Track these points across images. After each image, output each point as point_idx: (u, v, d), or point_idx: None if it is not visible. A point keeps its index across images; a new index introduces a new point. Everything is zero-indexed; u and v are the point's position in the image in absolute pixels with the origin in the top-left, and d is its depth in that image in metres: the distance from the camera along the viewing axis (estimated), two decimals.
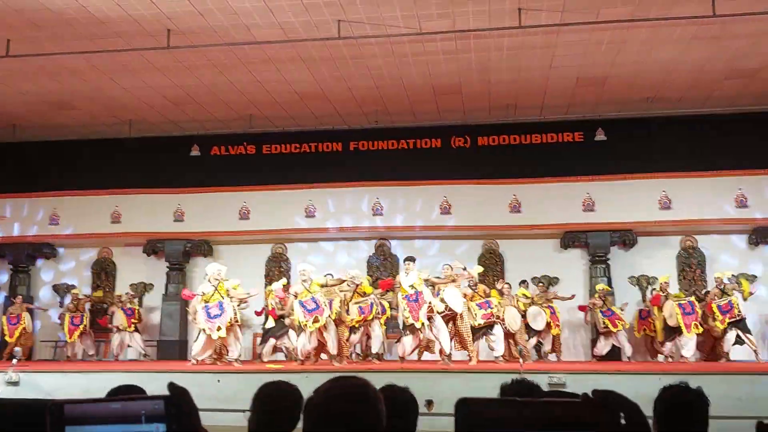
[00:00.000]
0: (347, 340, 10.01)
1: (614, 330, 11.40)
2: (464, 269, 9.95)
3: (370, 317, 10.04)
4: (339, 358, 9.66)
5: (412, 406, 2.52)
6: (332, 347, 9.53)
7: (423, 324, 9.07)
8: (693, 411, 2.24)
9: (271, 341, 10.51)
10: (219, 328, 9.43)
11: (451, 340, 9.47)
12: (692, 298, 10.91)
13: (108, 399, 1.26)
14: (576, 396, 1.85)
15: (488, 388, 7.47)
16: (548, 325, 11.30)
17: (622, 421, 1.19)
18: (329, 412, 1.40)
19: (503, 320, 10.49)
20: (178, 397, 1.25)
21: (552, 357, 11.58)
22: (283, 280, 11.10)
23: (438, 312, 9.22)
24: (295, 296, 9.63)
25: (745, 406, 7.07)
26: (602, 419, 1.12)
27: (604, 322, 11.42)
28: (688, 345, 10.68)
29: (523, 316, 11.06)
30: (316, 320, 9.25)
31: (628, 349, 11.41)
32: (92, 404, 1.25)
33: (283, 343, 10.65)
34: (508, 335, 10.67)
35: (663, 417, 2.23)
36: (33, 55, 10.03)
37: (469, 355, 9.65)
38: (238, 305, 10.34)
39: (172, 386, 1.26)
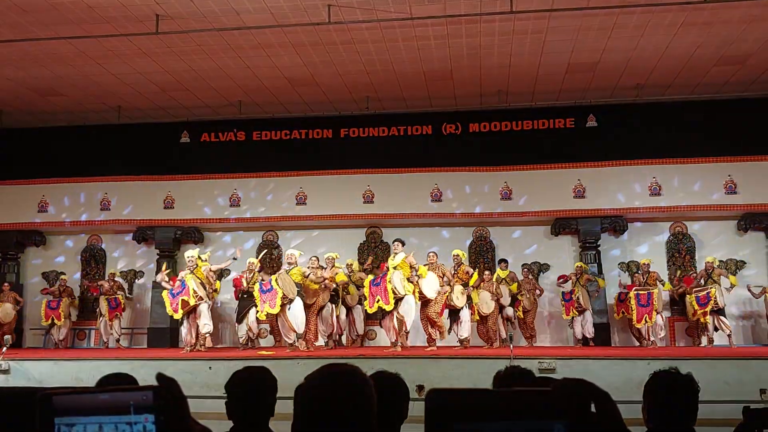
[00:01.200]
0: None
1: (565, 317, 11.62)
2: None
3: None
4: (302, 342, 9.66)
5: (404, 392, 2.53)
6: (297, 326, 9.57)
7: (379, 308, 9.35)
8: (683, 396, 2.25)
9: (239, 326, 10.67)
10: (185, 302, 9.66)
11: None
12: (654, 290, 10.88)
13: (97, 389, 1.25)
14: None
15: (478, 373, 7.60)
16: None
17: (593, 409, 1.20)
18: (319, 399, 1.39)
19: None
20: (167, 388, 1.24)
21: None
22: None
23: (399, 294, 9.23)
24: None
25: (732, 390, 7.16)
26: (572, 407, 1.12)
27: (561, 305, 11.78)
28: (657, 330, 10.94)
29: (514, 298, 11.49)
30: (271, 305, 9.42)
31: (588, 332, 11.50)
32: (81, 395, 1.24)
33: (246, 324, 10.60)
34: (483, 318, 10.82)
35: (653, 402, 2.24)
36: (19, 40, 9.92)
37: (435, 336, 9.74)
38: (216, 278, 10.50)
39: (160, 377, 1.25)
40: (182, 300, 9.74)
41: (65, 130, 13.94)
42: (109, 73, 11.55)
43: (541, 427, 1.12)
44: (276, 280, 9.43)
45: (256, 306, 10.15)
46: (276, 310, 9.45)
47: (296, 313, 9.51)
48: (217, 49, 10.61)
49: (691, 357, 8.36)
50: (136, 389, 1.24)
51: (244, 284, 10.80)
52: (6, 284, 12.93)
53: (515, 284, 11.59)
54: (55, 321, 12.31)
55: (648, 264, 11.40)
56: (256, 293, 9.79)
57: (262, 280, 9.93)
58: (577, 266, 11.93)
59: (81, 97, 12.71)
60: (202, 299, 9.88)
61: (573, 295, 11.49)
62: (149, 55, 10.83)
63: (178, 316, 10.04)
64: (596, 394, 1.17)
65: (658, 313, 10.85)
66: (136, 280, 13.79)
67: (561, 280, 11.95)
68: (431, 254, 10.14)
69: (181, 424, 1.24)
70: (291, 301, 9.46)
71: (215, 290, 10.93)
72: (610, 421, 1.16)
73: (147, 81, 11.93)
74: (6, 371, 8.46)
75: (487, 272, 11.62)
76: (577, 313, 11.49)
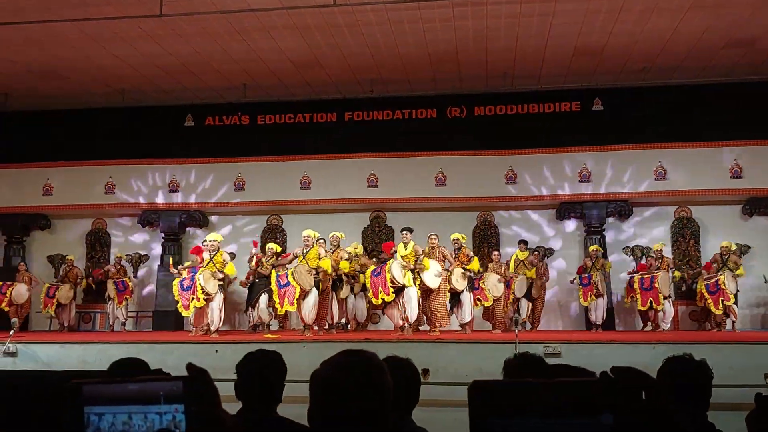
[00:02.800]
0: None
1: (583, 303, 11.58)
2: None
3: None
4: (308, 329, 9.61)
5: (415, 378, 2.55)
6: (308, 317, 9.55)
7: (382, 300, 9.24)
8: (697, 382, 2.25)
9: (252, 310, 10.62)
10: (195, 299, 9.55)
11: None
12: (658, 273, 10.76)
13: (126, 379, 1.25)
14: (582, 369, 1.86)
15: (484, 357, 7.62)
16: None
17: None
18: (339, 385, 1.39)
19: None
20: (197, 378, 1.23)
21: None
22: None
23: (398, 284, 9.17)
24: (295, 256, 9.78)
25: (736, 375, 7.16)
26: (623, 399, 1.08)
27: (578, 290, 11.70)
28: (666, 315, 10.83)
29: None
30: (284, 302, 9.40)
31: (598, 317, 11.46)
32: (110, 385, 1.24)
33: (257, 312, 10.54)
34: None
35: (666, 388, 2.24)
36: (22, 22, 9.86)
37: (432, 329, 9.64)
38: (225, 279, 10.42)
39: (191, 367, 1.25)
40: (192, 299, 9.59)
41: (70, 113, 13.90)
42: (112, 56, 11.50)
43: (588, 421, 1.08)
44: (292, 274, 9.39)
45: (268, 293, 10.17)
46: (294, 308, 9.45)
47: (310, 305, 9.49)
48: (221, 31, 10.55)
49: (695, 341, 8.36)
50: (166, 379, 1.24)
51: (253, 263, 10.71)
52: (21, 264, 12.95)
53: (533, 270, 11.44)
54: (50, 310, 12.24)
55: (661, 249, 11.29)
56: (273, 285, 9.68)
57: (279, 272, 9.77)
58: (593, 249, 11.83)
59: (85, 81, 12.67)
60: (210, 296, 9.70)
61: (591, 280, 11.39)
62: (153, 38, 10.78)
63: (187, 313, 9.92)
64: (647, 384, 1.14)
65: (666, 298, 10.76)
66: (141, 264, 13.82)
67: (577, 275, 11.86)
68: (432, 236, 10.11)
69: (211, 415, 1.23)
70: (307, 293, 9.45)
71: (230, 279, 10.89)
72: (660, 412, 1.13)
73: (151, 64, 11.88)
74: (14, 354, 8.51)
75: (495, 252, 11.57)
76: (595, 298, 11.38)
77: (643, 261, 12.11)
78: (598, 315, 11.45)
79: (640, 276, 10.95)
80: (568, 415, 1.08)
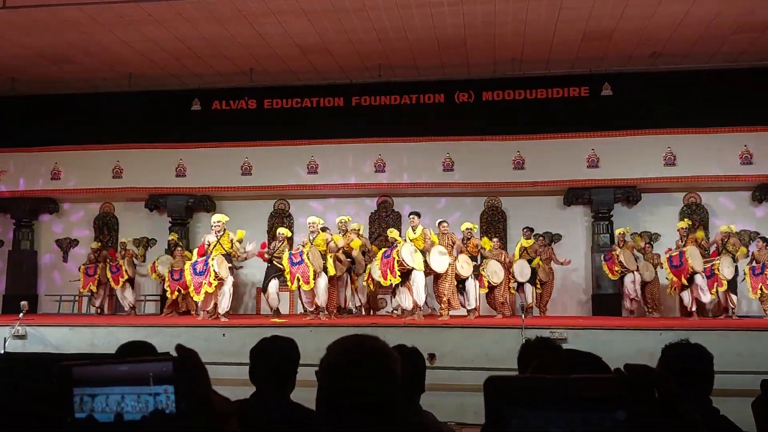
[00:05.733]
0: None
1: (612, 277, 11.49)
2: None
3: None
4: (322, 312, 9.62)
5: (421, 366, 2.56)
6: (321, 300, 9.56)
7: (390, 283, 9.28)
8: (696, 367, 2.24)
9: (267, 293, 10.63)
10: (207, 283, 9.44)
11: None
12: (686, 249, 10.43)
13: (116, 360, 1.25)
14: (590, 354, 1.87)
15: (490, 342, 7.63)
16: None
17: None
18: (346, 373, 1.37)
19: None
20: (187, 359, 1.23)
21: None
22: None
23: (406, 267, 9.14)
24: (303, 245, 9.74)
25: (744, 361, 7.15)
26: (636, 395, 1.08)
27: (604, 267, 11.61)
28: (702, 288, 10.30)
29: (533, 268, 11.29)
30: (300, 279, 9.35)
31: (634, 291, 11.29)
32: (100, 366, 1.25)
33: (267, 297, 10.54)
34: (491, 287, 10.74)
35: (669, 376, 2.23)
36: (30, 6, 9.85)
37: (440, 311, 9.65)
38: (240, 259, 10.39)
39: (180, 348, 1.24)
40: (203, 284, 9.43)
41: (77, 97, 13.91)
42: (120, 41, 11.49)
43: (601, 417, 1.08)
44: (307, 254, 9.38)
45: (277, 277, 10.17)
46: (310, 287, 9.31)
47: (321, 287, 9.49)
48: (228, 15, 10.50)
49: (702, 328, 8.35)
50: (156, 360, 1.24)
51: (266, 255, 10.70)
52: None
53: (537, 258, 11.29)
54: (93, 288, 12.28)
55: (686, 227, 11.00)
56: (285, 264, 9.60)
57: (291, 252, 9.76)
58: (619, 233, 11.67)
59: (92, 65, 12.66)
60: (222, 280, 9.61)
61: (613, 253, 11.28)
62: (160, 22, 10.75)
63: (198, 298, 9.70)
64: (659, 381, 1.13)
65: (695, 273, 10.22)
66: (149, 248, 13.87)
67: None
68: (444, 224, 10.12)
69: (202, 396, 1.23)
70: (318, 275, 9.45)
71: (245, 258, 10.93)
72: (671, 408, 1.13)
73: (158, 48, 11.85)
74: (23, 336, 8.58)
75: (495, 239, 11.55)
76: (619, 272, 11.24)
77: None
78: (637, 290, 11.22)
79: (668, 255, 10.75)
80: (582, 409, 1.08)
